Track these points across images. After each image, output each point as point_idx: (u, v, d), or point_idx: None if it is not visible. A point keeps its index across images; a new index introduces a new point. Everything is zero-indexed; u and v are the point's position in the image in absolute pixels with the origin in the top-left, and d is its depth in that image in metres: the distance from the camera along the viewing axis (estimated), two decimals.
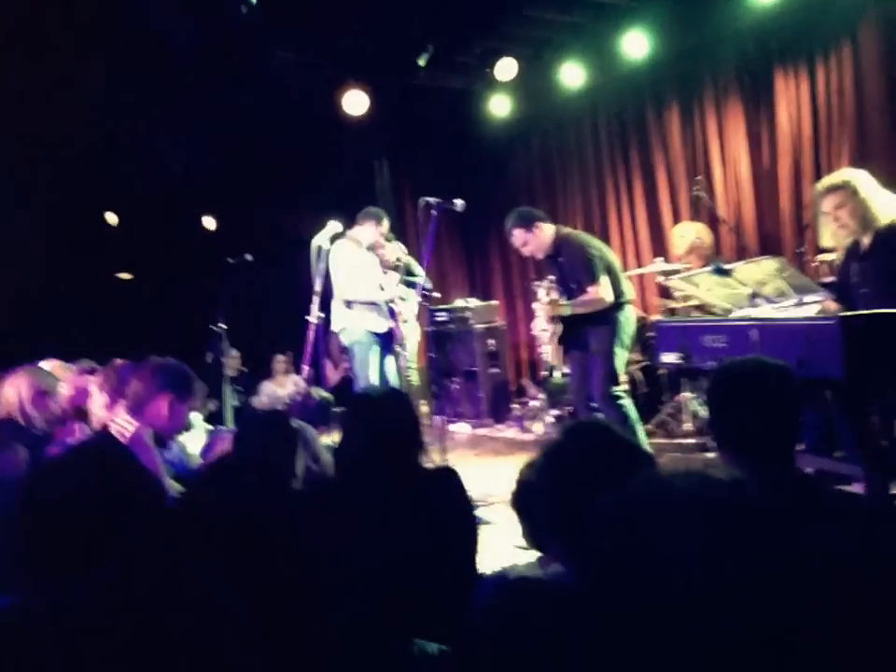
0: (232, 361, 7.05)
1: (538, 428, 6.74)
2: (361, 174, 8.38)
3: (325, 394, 3.44)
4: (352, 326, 5.26)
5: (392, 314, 5.27)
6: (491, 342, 7.59)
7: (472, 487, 2.13)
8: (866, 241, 3.48)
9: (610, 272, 4.65)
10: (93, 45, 5.51)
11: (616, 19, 6.62)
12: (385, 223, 5.35)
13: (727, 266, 3.43)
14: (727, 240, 6.54)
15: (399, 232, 5.53)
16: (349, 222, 5.38)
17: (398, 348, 5.33)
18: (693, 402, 5.71)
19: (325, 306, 5.07)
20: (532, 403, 7.37)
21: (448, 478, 2.06)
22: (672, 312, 5.89)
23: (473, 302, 7.83)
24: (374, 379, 5.12)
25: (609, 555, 0.79)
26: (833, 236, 3.53)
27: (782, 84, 6.16)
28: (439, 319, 7.57)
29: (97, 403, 2.89)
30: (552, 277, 4.98)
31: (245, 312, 6.47)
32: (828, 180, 3.53)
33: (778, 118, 6.19)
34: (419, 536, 1.87)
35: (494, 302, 8.14)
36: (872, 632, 1.00)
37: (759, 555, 0.72)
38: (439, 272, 8.47)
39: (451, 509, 1.98)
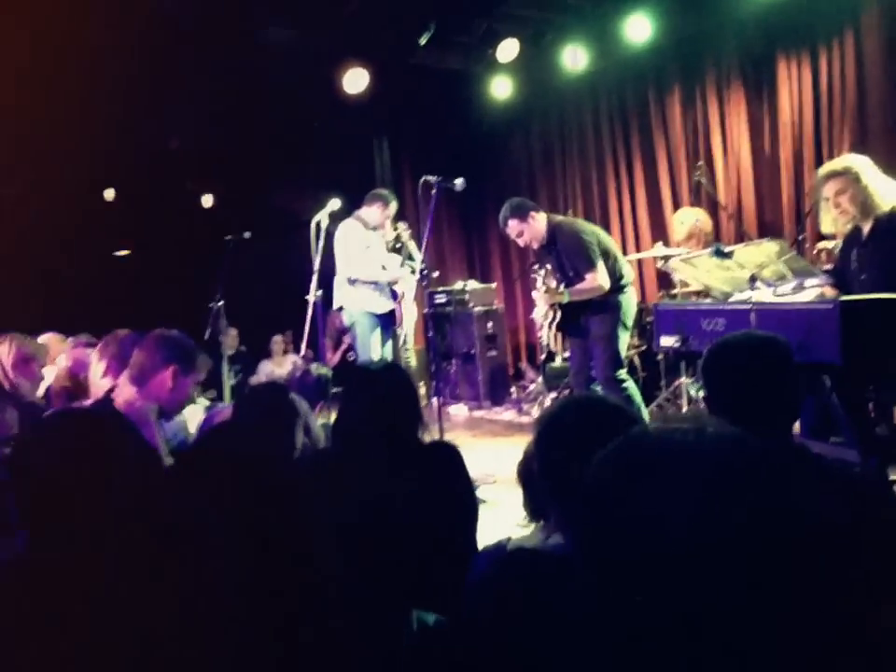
0: (230, 340, 7.04)
1: (535, 411, 6.76)
2: (361, 152, 8.34)
3: (323, 370, 3.44)
4: (352, 305, 5.28)
5: (394, 295, 5.30)
6: (489, 324, 7.59)
7: (471, 468, 2.14)
8: (866, 227, 3.48)
9: (608, 256, 4.65)
10: (91, 19, 5.45)
11: (619, 2, 6.57)
12: (393, 205, 5.37)
13: (727, 248, 3.43)
14: (727, 226, 6.54)
15: (397, 212, 5.54)
16: (348, 201, 5.38)
17: (398, 330, 5.35)
18: (690, 387, 5.72)
19: (324, 284, 5.06)
20: (530, 386, 7.39)
21: (447, 452, 2.07)
22: (672, 298, 5.89)
23: (472, 285, 7.82)
24: (376, 359, 5.14)
25: (602, 515, 0.77)
26: (833, 222, 3.53)
27: (784, 71, 6.13)
28: (437, 301, 7.57)
29: (95, 372, 2.88)
30: (548, 266, 4.98)
31: (244, 290, 6.46)
32: (830, 166, 3.53)
33: (780, 105, 6.17)
34: (418, 508, 1.88)
35: (492, 285, 8.14)
36: (858, 593, 1.02)
37: (761, 510, 0.70)
38: (437, 253, 8.46)
39: (450, 482, 1.99)
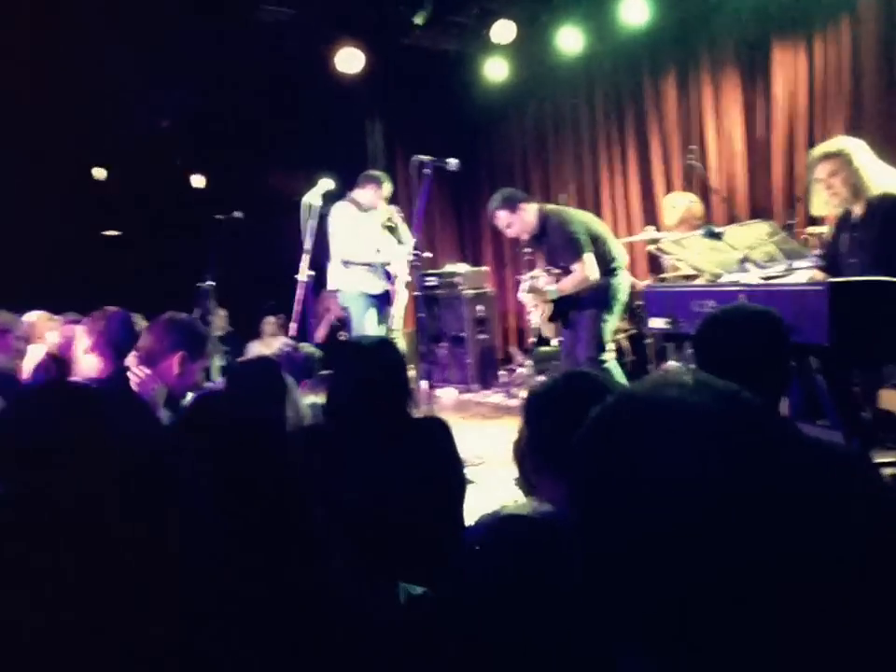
0: (219, 320, 7.01)
1: (524, 395, 6.77)
2: (353, 133, 8.29)
3: (312, 349, 3.44)
4: (347, 287, 5.29)
5: (388, 276, 5.31)
6: (480, 307, 7.58)
7: (459, 449, 2.14)
8: (857, 211, 3.48)
9: (598, 241, 4.64)
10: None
11: None
12: (387, 187, 5.36)
13: (718, 229, 3.44)
14: (719, 210, 6.55)
15: (390, 194, 5.53)
16: (341, 181, 5.36)
17: (391, 310, 5.36)
18: (679, 370, 5.74)
19: (315, 265, 5.06)
20: (519, 370, 7.40)
21: (436, 426, 2.08)
22: (661, 282, 5.90)
23: (463, 268, 7.81)
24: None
25: (595, 472, 0.74)
26: (824, 204, 3.53)
27: (779, 56, 6.13)
28: (428, 284, 7.55)
29: (80, 346, 2.86)
30: (533, 274, 4.97)
31: (234, 270, 6.43)
32: (823, 147, 3.52)
33: (774, 90, 6.16)
34: (407, 481, 1.89)
35: (483, 268, 8.13)
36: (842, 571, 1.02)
37: (759, 462, 0.67)
38: (429, 236, 8.43)
39: (439, 456, 2.00)
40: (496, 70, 7.68)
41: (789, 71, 6.08)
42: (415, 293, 4.92)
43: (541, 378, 6.53)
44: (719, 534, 0.67)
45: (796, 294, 3.16)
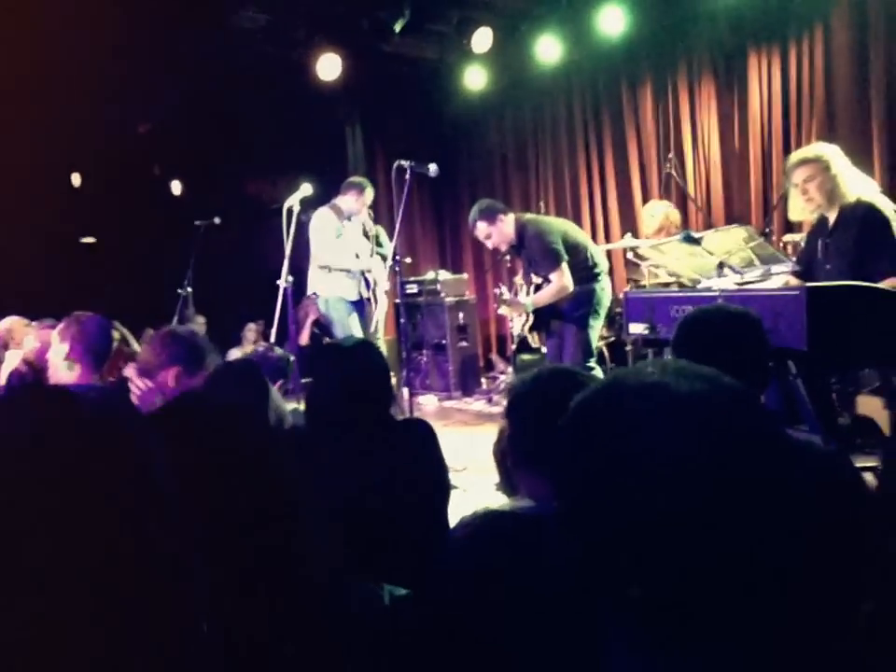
0: (198, 327, 6.96)
1: (505, 402, 6.77)
2: (333, 140, 8.29)
3: (283, 351, 3.45)
4: (326, 291, 5.31)
5: (367, 283, 5.33)
6: (461, 315, 7.59)
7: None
8: (832, 217, 3.53)
9: (578, 248, 4.67)
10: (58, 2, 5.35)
11: None
12: (368, 193, 5.41)
13: (696, 234, 3.47)
14: (696, 219, 6.61)
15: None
16: (320, 188, 5.39)
17: (372, 317, 5.37)
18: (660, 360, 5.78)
19: (295, 271, 5.05)
20: (500, 378, 7.41)
21: (420, 428, 2.07)
22: (640, 289, 5.94)
23: (444, 275, 7.81)
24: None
25: (582, 457, 0.73)
26: (801, 210, 3.58)
27: (755, 65, 6.21)
28: (409, 291, 7.55)
29: (57, 353, 2.83)
30: (502, 291, 5.00)
31: (213, 277, 6.39)
32: (801, 153, 3.57)
33: (750, 99, 6.24)
34: (390, 483, 1.88)
35: (464, 276, 8.15)
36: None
37: (746, 445, 0.67)
38: (409, 243, 8.44)
39: (423, 458, 1.99)
40: (475, 78, 7.71)
41: (764, 80, 6.16)
42: (396, 300, 4.94)
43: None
44: (706, 518, 0.67)
45: (774, 299, 3.20)
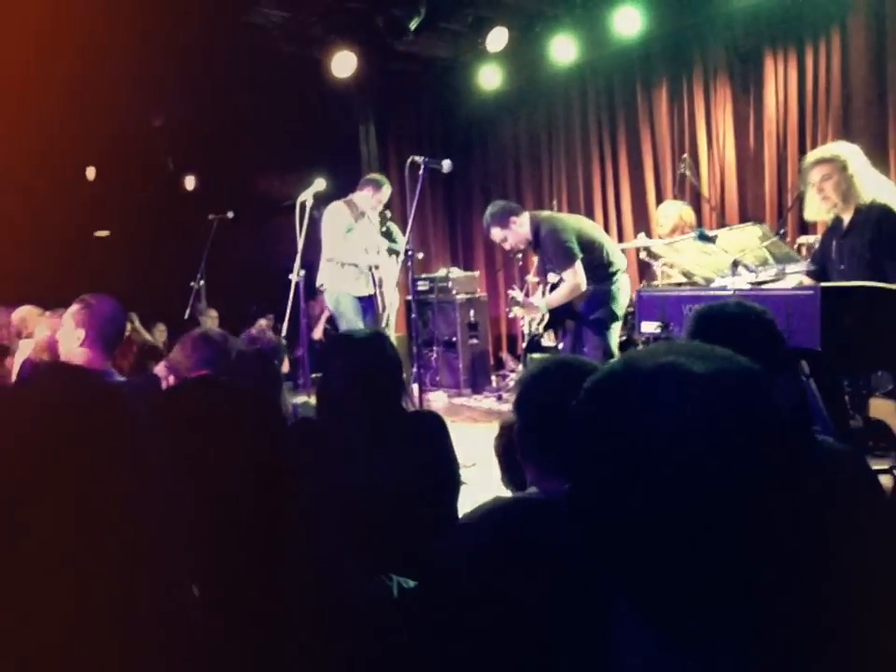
0: (210, 321, 6.99)
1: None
2: (347, 137, 8.31)
3: (274, 335, 3.50)
4: (334, 285, 5.32)
5: (374, 280, 5.33)
6: (472, 312, 7.59)
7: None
8: (847, 218, 3.51)
9: (594, 246, 4.61)
10: None
11: None
12: (385, 190, 5.42)
13: (711, 233, 3.45)
14: (710, 219, 6.58)
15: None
16: (334, 185, 5.40)
17: (381, 314, 5.37)
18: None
19: (307, 265, 5.07)
20: (510, 376, 7.40)
21: (431, 420, 2.07)
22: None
23: (455, 272, 7.81)
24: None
25: (595, 439, 0.72)
26: (817, 210, 3.56)
27: (771, 67, 6.18)
28: (420, 288, 7.55)
29: (70, 337, 2.82)
30: (514, 294, 4.98)
31: (226, 271, 6.42)
32: (818, 152, 3.55)
33: (766, 101, 6.21)
34: (401, 474, 1.88)
35: (475, 273, 8.15)
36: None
37: (763, 423, 0.66)
38: (422, 240, 8.44)
39: (433, 449, 1.99)
40: (489, 77, 7.71)
41: (780, 82, 6.13)
42: (407, 297, 4.94)
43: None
44: (720, 499, 0.66)
45: (788, 298, 3.18)
